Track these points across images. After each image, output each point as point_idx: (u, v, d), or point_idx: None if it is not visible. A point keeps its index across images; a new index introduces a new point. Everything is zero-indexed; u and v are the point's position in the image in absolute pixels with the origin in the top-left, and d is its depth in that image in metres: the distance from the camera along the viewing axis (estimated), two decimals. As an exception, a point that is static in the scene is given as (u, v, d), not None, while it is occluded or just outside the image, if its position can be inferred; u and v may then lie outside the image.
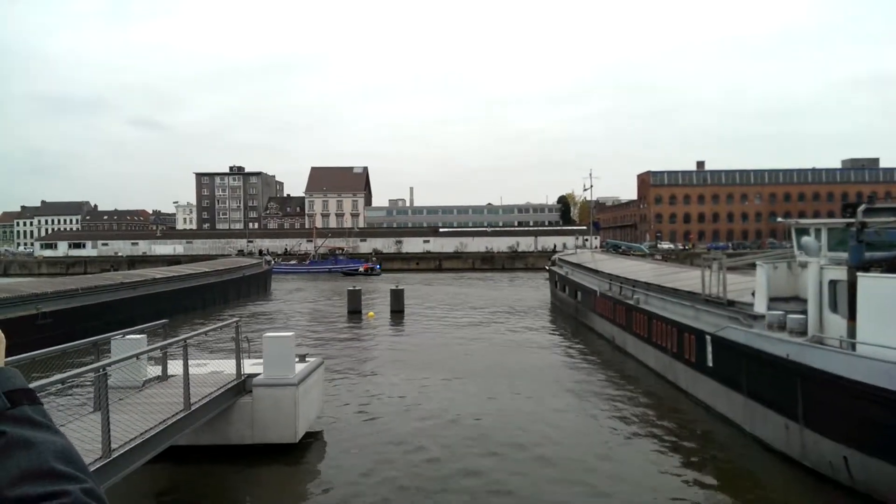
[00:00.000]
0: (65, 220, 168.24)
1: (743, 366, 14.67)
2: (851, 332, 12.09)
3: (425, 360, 23.31)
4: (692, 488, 11.76)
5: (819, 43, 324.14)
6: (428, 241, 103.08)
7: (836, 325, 13.00)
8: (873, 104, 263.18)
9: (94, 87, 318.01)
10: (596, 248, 73.56)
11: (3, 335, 1.10)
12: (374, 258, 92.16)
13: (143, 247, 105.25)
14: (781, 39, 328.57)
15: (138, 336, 13.15)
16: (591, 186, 62.06)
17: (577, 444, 14.10)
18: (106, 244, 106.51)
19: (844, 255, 13.05)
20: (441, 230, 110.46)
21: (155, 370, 13.21)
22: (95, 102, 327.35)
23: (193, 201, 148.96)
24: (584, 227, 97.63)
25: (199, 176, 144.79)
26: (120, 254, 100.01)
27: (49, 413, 1.04)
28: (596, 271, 33.39)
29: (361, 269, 79.22)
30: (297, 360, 14.48)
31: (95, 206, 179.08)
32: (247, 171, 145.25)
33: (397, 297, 38.74)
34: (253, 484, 12.15)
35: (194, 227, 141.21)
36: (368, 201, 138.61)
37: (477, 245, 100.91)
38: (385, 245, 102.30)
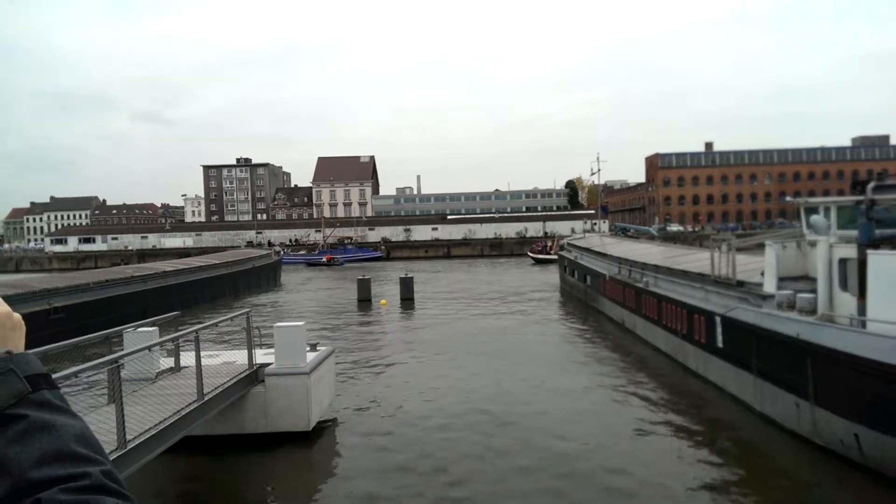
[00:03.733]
0: (74, 216, 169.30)
1: (753, 346, 14.66)
2: (862, 309, 12.05)
3: (436, 347, 23.40)
4: (704, 467, 11.79)
5: (828, 19, 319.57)
6: (436, 229, 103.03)
7: (846, 303, 12.94)
8: (885, 81, 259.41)
9: (99, 82, 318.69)
10: (604, 231, 73.38)
11: (22, 322, 1.13)
12: (382, 246, 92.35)
13: (153, 240, 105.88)
14: (790, 15, 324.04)
15: (150, 328, 13.28)
16: (599, 170, 61.36)
17: (591, 426, 14.15)
18: (116, 238, 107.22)
19: (854, 233, 12.96)
20: (449, 217, 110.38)
21: (167, 362, 13.35)
22: (101, 98, 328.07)
23: (201, 194, 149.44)
24: (593, 211, 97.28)
25: (206, 168, 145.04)
26: (130, 247, 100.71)
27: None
28: (605, 255, 33.32)
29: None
30: (308, 349, 14.59)
31: (104, 200, 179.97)
32: (254, 162, 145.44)
33: (407, 284, 38.84)
34: (267, 472, 12.29)
35: (203, 219, 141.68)
36: (376, 190, 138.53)
37: (485, 231, 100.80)
38: (393, 233, 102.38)
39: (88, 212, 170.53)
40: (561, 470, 11.76)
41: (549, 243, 74.73)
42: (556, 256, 67.23)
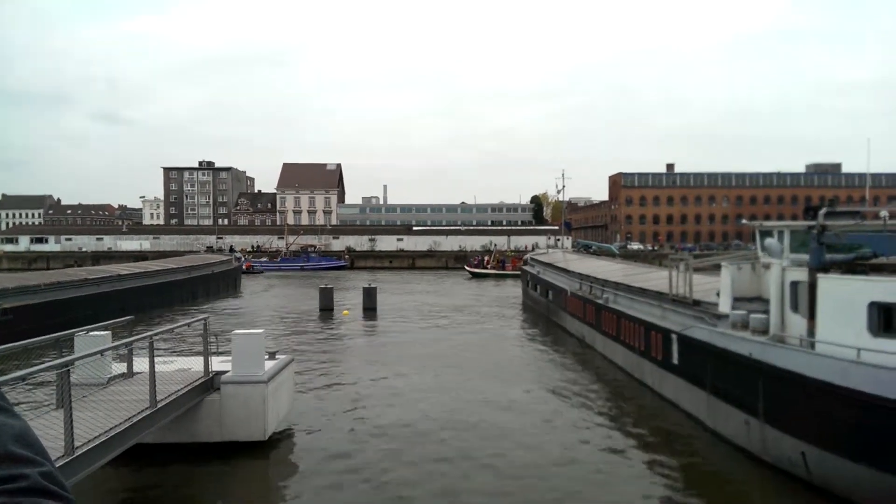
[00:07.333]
0: (26, 214, 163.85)
1: (707, 364, 14.99)
2: (811, 331, 12.45)
3: (397, 358, 23.30)
4: (654, 482, 11.98)
5: (782, 50, 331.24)
6: (401, 240, 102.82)
7: (796, 324, 13.36)
8: (839, 110, 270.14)
9: (56, 79, 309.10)
10: (567, 248, 74.40)
11: None
12: (346, 256, 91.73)
13: (109, 242, 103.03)
14: (752, 44, 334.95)
15: (103, 333, 12.92)
16: (564, 187, 62.44)
17: (544, 440, 14.24)
18: (69, 239, 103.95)
19: (806, 257, 13.42)
20: (415, 228, 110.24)
21: (120, 367, 13.00)
22: (57, 96, 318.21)
23: (161, 196, 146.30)
24: (557, 227, 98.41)
25: (166, 170, 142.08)
26: (84, 249, 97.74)
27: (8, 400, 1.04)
28: (567, 271, 33.73)
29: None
30: (266, 357, 14.38)
31: (59, 200, 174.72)
32: (217, 166, 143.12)
33: (370, 295, 38.65)
34: (221, 481, 12.04)
35: (161, 222, 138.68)
36: (341, 198, 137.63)
37: (450, 244, 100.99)
38: (358, 243, 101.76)
39: (42, 211, 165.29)
40: (516, 483, 11.80)
41: (486, 258, 76.23)
42: (493, 271, 69.82)
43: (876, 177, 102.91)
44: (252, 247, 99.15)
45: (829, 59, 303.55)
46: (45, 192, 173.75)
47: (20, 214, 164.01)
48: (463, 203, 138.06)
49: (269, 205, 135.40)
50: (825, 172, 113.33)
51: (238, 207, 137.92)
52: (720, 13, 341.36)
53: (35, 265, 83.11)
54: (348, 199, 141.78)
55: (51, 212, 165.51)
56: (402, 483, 11.77)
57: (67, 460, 8.14)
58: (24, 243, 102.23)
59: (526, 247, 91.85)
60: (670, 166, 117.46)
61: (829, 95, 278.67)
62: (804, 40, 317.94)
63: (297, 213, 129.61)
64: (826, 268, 12.62)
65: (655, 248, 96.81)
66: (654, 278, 23.18)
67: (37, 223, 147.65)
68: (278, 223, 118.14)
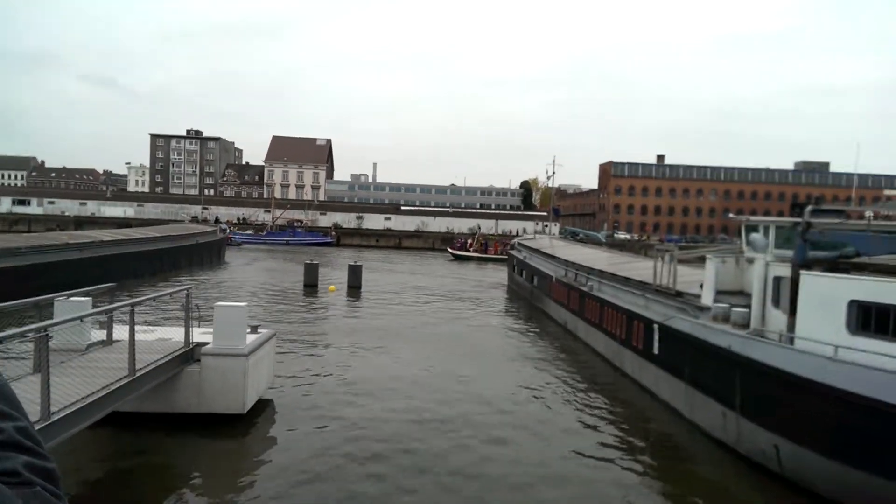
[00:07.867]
0: (9, 176, 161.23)
1: (687, 355, 15.14)
2: (791, 326, 12.59)
3: (379, 337, 23.31)
4: (628, 470, 12.13)
5: (770, 52, 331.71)
6: (389, 219, 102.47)
7: (777, 319, 13.51)
8: (824, 113, 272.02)
9: (44, 39, 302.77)
10: (555, 234, 74.61)
11: None
12: (333, 232, 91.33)
13: (92, 207, 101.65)
14: (749, 44, 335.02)
15: (83, 298, 12.78)
16: (554, 173, 62.30)
17: (521, 425, 14.35)
18: (52, 202, 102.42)
19: (790, 253, 13.53)
20: (403, 208, 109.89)
21: (99, 334, 12.88)
22: (45, 56, 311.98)
23: (147, 163, 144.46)
24: (545, 213, 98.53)
25: (153, 137, 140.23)
26: (67, 213, 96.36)
27: None
28: (553, 257, 33.82)
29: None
30: (248, 331, 14.31)
31: (42, 162, 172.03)
32: (205, 135, 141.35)
33: (355, 272, 38.55)
34: (197, 452, 12.03)
35: (147, 189, 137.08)
36: (330, 174, 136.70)
37: (438, 225, 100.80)
38: (345, 220, 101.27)
39: (25, 173, 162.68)
40: (482, 466, 11.90)
41: (469, 241, 76.93)
42: (475, 254, 70.54)
43: (863, 177, 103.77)
44: (238, 219, 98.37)
45: (822, 62, 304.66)
46: (29, 154, 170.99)
47: (2, 175, 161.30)
48: (452, 185, 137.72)
49: (257, 177, 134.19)
50: (813, 171, 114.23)
51: (225, 178, 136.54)
52: (718, 11, 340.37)
53: (16, 227, 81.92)
54: (337, 176, 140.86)
55: (34, 174, 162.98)
56: (377, 461, 11.81)
57: (43, 425, 8.07)
58: (5, 205, 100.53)
59: (511, 232, 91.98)
60: (660, 157, 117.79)
61: (822, 97, 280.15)
62: (798, 42, 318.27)
63: (285, 186, 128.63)
64: (809, 264, 12.74)
65: (642, 238, 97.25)
66: (639, 268, 23.30)
67: (19, 185, 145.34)
68: (265, 196, 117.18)
